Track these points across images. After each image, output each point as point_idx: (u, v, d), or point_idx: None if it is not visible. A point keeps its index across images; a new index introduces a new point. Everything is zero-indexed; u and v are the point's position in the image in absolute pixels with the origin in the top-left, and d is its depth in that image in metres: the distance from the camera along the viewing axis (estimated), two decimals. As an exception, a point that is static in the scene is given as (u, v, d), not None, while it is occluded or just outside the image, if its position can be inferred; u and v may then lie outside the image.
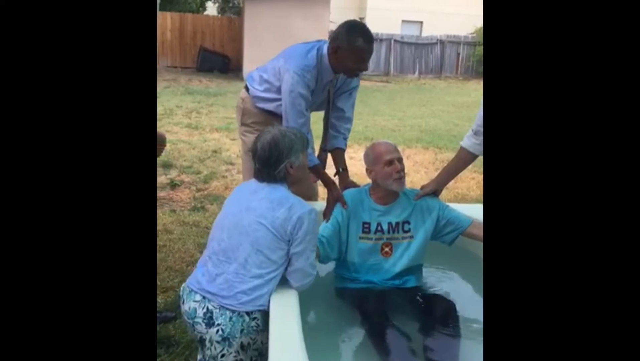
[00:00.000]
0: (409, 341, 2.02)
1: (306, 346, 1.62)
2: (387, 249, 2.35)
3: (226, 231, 1.91)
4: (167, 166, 5.60)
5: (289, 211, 1.86)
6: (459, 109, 11.65)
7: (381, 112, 10.35)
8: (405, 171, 2.35)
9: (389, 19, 22.28)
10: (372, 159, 2.32)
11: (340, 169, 2.71)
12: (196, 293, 1.87)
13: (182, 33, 16.97)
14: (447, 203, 2.50)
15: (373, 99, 11.64)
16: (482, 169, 3.84)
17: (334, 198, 2.39)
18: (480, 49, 18.44)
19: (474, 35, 19.48)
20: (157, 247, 3.50)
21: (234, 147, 6.75)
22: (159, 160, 5.03)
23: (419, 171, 5.99)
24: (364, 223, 2.34)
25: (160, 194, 4.74)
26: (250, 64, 14.44)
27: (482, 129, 2.28)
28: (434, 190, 2.46)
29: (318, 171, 2.56)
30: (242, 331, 1.80)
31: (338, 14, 19.87)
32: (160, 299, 2.87)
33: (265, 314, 1.83)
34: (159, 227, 3.86)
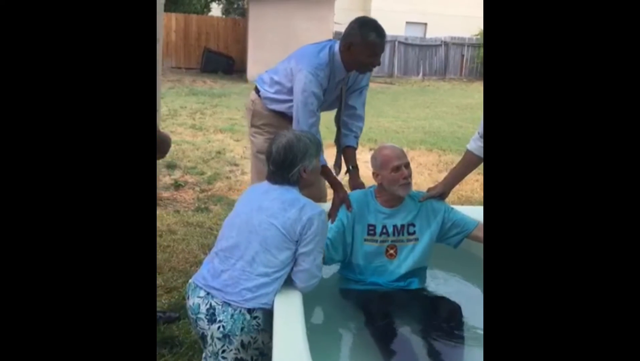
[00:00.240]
0: (413, 342, 2.01)
1: (310, 346, 1.62)
2: (391, 251, 2.35)
3: (235, 229, 1.93)
4: (171, 166, 5.61)
5: (299, 212, 1.88)
6: (463, 111, 11.65)
7: (385, 114, 10.35)
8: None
9: (393, 20, 22.25)
10: (379, 163, 2.32)
11: (351, 167, 2.73)
12: (201, 288, 1.89)
13: (186, 34, 17.02)
14: (452, 205, 2.50)
15: (377, 101, 11.64)
16: (486, 171, 3.84)
17: (340, 199, 2.40)
18: (484, 51, 18.41)
19: (478, 37, 19.47)
20: (161, 247, 3.51)
21: (237, 148, 6.77)
22: (163, 161, 5.06)
23: (422, 172, 5.99)
24: (369, 226, 2.34)
25: (164, 194, 4.75)
26: (254, 65, 14.49)
27: None
28: (440, 193, 2.46)
29: (325, 171, 2.57)
30: (242, 329, 1.81)
31: (342, 16, 19.87)
32: (164, 299, 2.87)
33: (267, 314, 1.83)
34: (163, 227, 3.87)
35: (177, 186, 5.05)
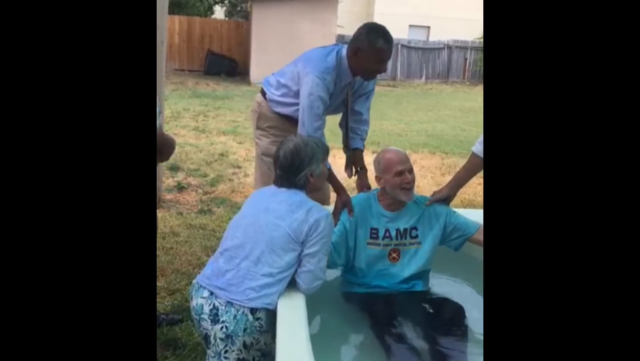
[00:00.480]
0: (417, 345, 2.02)
1: (313, 348, 1.62)
2: (394, 255, 2.36)
3: (241, 230, 1.94)
4: (174, 168, 5.62)
5: (306, 213, 1.90)
6: (466, 114, 11.65)
7: (388, 117, 10.36)
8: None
9: (396, 23, 22.26)
10: (382, 167, 2.32)
11: (359, 168, 2.75)
12: (204, 288, 1.90)
13: (189, 36, 17.05)
14: (455, 209, 2.50)
15: (380, 104, 11.65)
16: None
17: (342, 203, 2.40)
18: (487, 54, 18.39)
19: (481, 40, 19.45)
20: (164, 250, 3.52)
21: (240, 150, 6.78)
22: (166, 163, 5.06)
23: (425, 176, 5.99)
24: (372, 229, 2.34)
25: (167, 196, 4.76)
26: (257, 68, 14.51)
27: None
28: (446, 197, 2.46)
29: (329, 175, 2.58)
30: (245, 330, 1.82)
31: (345, 19, 19.91)
32: (167, 301, 2.88)
33: (270, 315, 1.84)
34: (166, 230, 3.87)
35: (180, 188, 5.06)
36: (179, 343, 2.50)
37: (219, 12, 22.02)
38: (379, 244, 2.34)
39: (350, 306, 2.34)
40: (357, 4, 23.21)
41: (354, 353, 2.17)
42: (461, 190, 5.66)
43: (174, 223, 4.08)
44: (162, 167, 4.80)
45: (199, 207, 4.56)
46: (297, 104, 2.52)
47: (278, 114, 2.72)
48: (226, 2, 21.22)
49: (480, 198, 5.17)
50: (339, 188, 2.50)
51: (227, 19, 20.54)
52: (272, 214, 1.92)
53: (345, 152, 2.87)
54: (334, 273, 2.51)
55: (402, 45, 19.02)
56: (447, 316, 2.16)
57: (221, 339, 1.83)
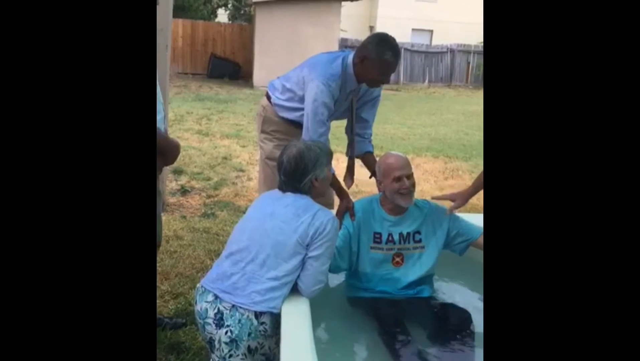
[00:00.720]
0: (424, 351, 2.02)
1: (318, 353, 1.62)
2: (398, 259, 2.36)
3: (247, 233, 1.95)
4: (178, 172, 5.63)
5: (313, 217, 1.90)
6: (469, 118, 11.65)
7: (391, 121, 10.37)
8: (415, 180, 2.35)
9: (399, 27, 22.34)
10: (382, 172, 2.33)
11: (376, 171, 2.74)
12: (209, 292, 1.90)
13: (193, 40, 17.12)
14: (458, 213, 2.50)
15: (383, 108, 11.56)
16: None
17: (344, 207, 2.41)
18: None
19: (484, 44, 19.47)
20: (168, 253, 3.52)
21: (244, 154, 6.79)
22: (169, 166, 5.08)
23: (428, 180, 5.99)
24: (375, 233, 2.34)
25: (170, 200, 4.77)
26: (260, 71, 14.55)
27: None
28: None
29: (332, 179, 2.58)
30: (249, 334, 1.82)
31: (348, 23, 19.96)
32: (170, 305, 2.88)
33: (274, 319, 1.84)
34: (169, 233, 3.88)
35: (184, 191, 5.07)
36: (182, 347, 2.50)
37: (222, 16, 22.09)
38: (382, 249, 2.34)
39: (356, 311, 2.34)
40: (360, 8, 23.26)
41: (359, 358, 2.17)
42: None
43: (178, 226, 4.09)
44: (165, 171, 4.81)
45: (203, 210, 4.57)
46: (302, 109, 2.53)
47: (283, 118, 2.73)
48: (230, 5, 21.29)
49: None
50: (342, 193, 2.51)
51: (230, 22, 20.59)
52: (278, 218, 1.92)
53: (348, 157, 2.86)
54: (338, 279, 2.51)
55: (405, 49, 19.05)
56: (454, 323, 2.16)
57: (226, 343, 1.83)
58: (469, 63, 19.88)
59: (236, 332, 1.82)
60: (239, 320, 1.82)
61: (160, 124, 2.16)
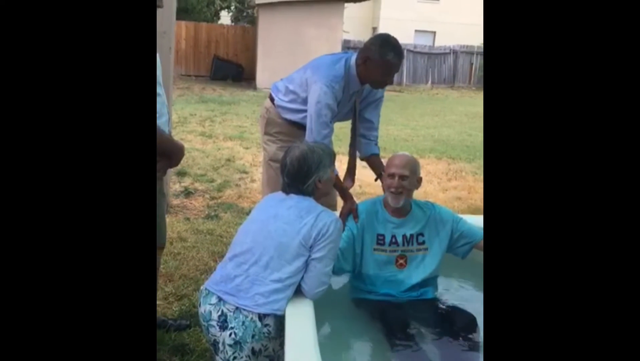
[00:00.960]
0: (429, 354, 2.01)
1: (322, 355, 1.62)
2: (401, 261, 2.36)
3: (250, 236, 1.95)
4: (181, 174, 5.64)
5: (316, 218, 1.90)
6: (472, 119, 11.64)
7: (394, 122, 10.36)
8: (416, 183, 2.36)
9: (402, 28, 22.35)
10: (384, 167, 2.34)
11: (382, 172, 2.73)
12: (213, 294, 1.90)
13: (196, 42, 17.15)
14: (461, 215, 2.50)
15: (386, 109, 11.53)
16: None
17: (348, 209, 2.41)
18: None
19: (487, 45, 19.44)
20: (172, 255, 3.52)
21: (247, 155, 6.79)
22: (173, 168, 5.09)
23: (431, 181, 5.99)
24: (378, 235, 2.34)
25: (174, 202, 4.78)
26: (263, 73, 14.56)
27: None
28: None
29: (336, 181, 2.58)
30: (253, 336, 1.82)
31: (351, 24, 19.97)
32: (174, 307, 2.88)
33: (278, 321, 1.85)
34: (173, 235, 3.89)
35: (187, 193, 5.08)
36: (186, 348, 2.50)
37: (225, 18, 22.12)
38: (386, 251, 2.34)
39: (360, 313, 2.34)
40: (363, 9, 23.28)
41: (363, 360, 2.17)
42: (468, 195, 5.67)
43: (181, 228, 4.09)
44: (169, 173, 4.82)
45: (206, 212, 4.57)
46: (305, 110, 2.53)
47: (286, 120, 2.73)
48: (232, 7, 21.32)
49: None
50: (346, 194, 2.51)
51: (233, 24, 20.62)
52: (281, 220, 1.93)
53: (349, 158, 2.86)
54: (341, 281, 2.51)
55: (408, 51, 19.05)
56: (460, 325, 2.15)
57: (230, 345, 1.84)
58: (472, 64, 19.86)
59: (240, 334, 1.82)
60: (243, 322, 1.82)
61: (164, 126, 2.17)
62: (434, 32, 25.08)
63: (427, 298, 2.36)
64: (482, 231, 2.37)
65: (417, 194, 2.51)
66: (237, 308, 1.84)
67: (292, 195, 2.00)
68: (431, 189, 5.57)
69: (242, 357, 1.84)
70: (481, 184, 5.45)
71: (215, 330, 1.87)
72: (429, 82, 19.50)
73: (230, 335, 1.83)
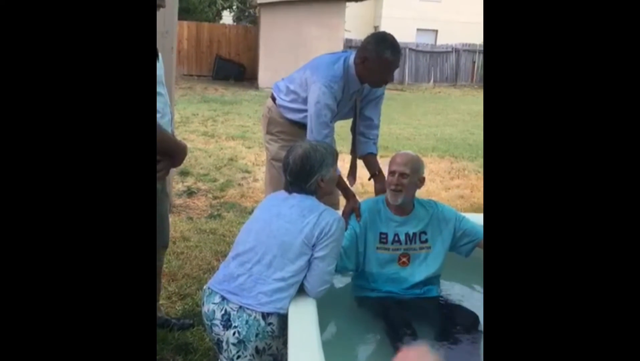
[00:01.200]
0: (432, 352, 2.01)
1: (325, 353, 1.63)
2: (404, 259, 2.36)
3: (253, 235, 1.95)
4: (184, 173, 5.65)
5: (318, 217, 1.90)
6: (475, 117, 11.62)
7: (396, 121, 10.36)
8: (418, 181, 2.36)
9: (403, 27, 22.35)
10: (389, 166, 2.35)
11: (377, 172, 2.74)
12: (216, 293, 1.91)
13: (198, 42, 17.15)
14: (464, 213, 2.50)
15: (388, 108, 11.63)
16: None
17: (350, 208, 2.41)
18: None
19: (490, 43, 19.40)
20: (175, 254, 3.53)
21: (249, 155, 6.80)
22: (176, 168, 5.10)
23: (434, 180, 5.98)
24: (381, 234, 2.35)
25: (177, 201, 4.78)
26: (265, 73, 14.57)
27: None
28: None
29: (338, 180, 2.58)
30: (257, 335, 1.82)
31: (353, 23, 19.95)
32: (178, 306, 2.89)
33: (281, 320, 1.85)
34: (176, 234, 3.90)
35: (190, 193, 5.09)
36: (190, 347, 2.51)
37: (227, 18, 22.13)
38: (389, 249, 2.34)
39: (363, 311, 2.34)
40: (364, 8, 23.26)
41: (366, 358, 2.17)
42: (470, 194, 5.67)
43: (184, 227, 4.10)
44: (172, 173, 4.83)
45: (209, 212, 4.58)
46: (306, 110, 2.53)
47: (288, 119, 2.73)
48: (234, 7, 21.33)
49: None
50: (348, 193, 2.51)
51: (235, 24, 20.62)
52: (284, 219, 1.93)
53: (351, 156, 2.86)
54: (345, 279, 2.51)
55: (410, 49, 19.02)
56: (462, 323, 2.15)
57: (233, 344, 1.84)
58: (474, 62, 19.83)
59: (244, 333, 1.82)
60: (246, 321, 1.82)
61: (167, 126, 2.17)
62: (436, 31, 25.05)
63: (430, 296, 2.36)
64: (485, 230, 2.37)
65: (420, 193, 2.51)
66: (240, 307, 1.84)
67: (295, 194, 2.00)
68: (434, 188, 5.57)
69: (245, 356, 1.84)
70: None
71: (218, 329, 1.87)
72: (431, 80, 19.47)
73: (233, 333, 1.84)
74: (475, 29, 21.20)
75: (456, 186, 5.80)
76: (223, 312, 1.86)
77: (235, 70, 16.80)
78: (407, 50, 18.86)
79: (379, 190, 2.63)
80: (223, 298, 1.88)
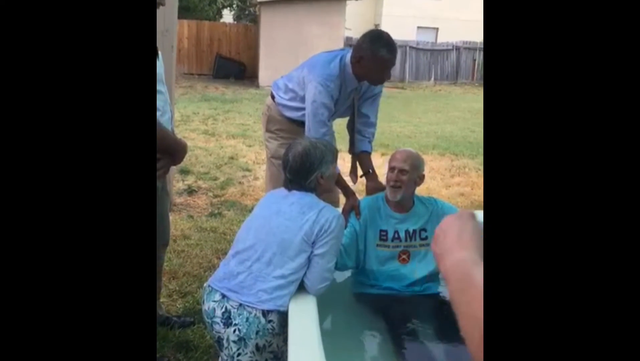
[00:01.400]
0: (432, 348, 2.02)
1: (326, 350, 1.63)
2: (404, 256, 2.36)
3: (253, 232, 1.96)
4: (185, 172, 5.65)
5: (318, 214, 1.90)
6: (475, 115, 11.61)
7: (397, 119, 10.36)
8: (417, 178, 2.36)
9: (404, 25, 22.33)
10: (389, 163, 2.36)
11: (370, 171, 2.75)
12: (216, 291, 1.91)
13: (198, 40, 17.13)
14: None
15: (388, 106, 11.64)
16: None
17: (350, 206, 2.41)
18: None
19: (490, 41, 19.38)
20: (176, 253, 3.54)
21: (250, 153, 6.80)
22: (176, 166, 5.10)
23: (435, 177, 5.99)
24: (381, 231, 2.35)
25: (177, 200, 4.79)
26: (265, 71, 14.56)
27: None
28: None
29: (338, 178, 2.59)
30: (257, 332, 1.83)
31: (353, 21, 19.92)
32: (178, 304, 2.90)
33: (282, 317, 1.85)
34: (177, 233, 3.90)
35: (191, 191, 5.09)
36: (190, 345, 2.52)
37: (227, 16, 22.11)
38: (389, 246, 2.35)
39: (362, 307, 2.35)
40: (365, 7, 23.23)
41: (366, 354, 2.17)
42: (471, 191, 5.66)
43: (185, 226, 4.11)
44: (172, 171, 4.84)
45: (210, 210, 4.58)
46: (304, 108, 2.54)
47: (287, 117, 2.74)
48: (235, 5, 21.31)
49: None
50: (348, 191, 2.51)
51: (235, 22, 20.61)
52: (283, 216, 1.93)
53: (351, 155, 2.87)
54: (344, 275, 2.51)
55: (411, 47, 19.00)
56: None
57: (234, 342, 1.84)
58: (474, 60, 19.80)
59: (244, 331, 1.83)
60: (247, 319, 1.83)
61: (167, 124, 2.17)
62: (437, 29, 25.02)
63: (430, 293, 2.36)
64: (486, 228, 2.38)
65: (420, 191, 2.51)
66: (240, 304, 1.85)
67: (295, 191, 2.00)
68: (434, 186, 5.57)
69: (246, 353, 1.85)
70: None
71: (219, 327, 1.88)
72: (432, 78, 19.45)
73: (234, 331, 1.84)
74: (475, 27, 21.15)
75: (457, 184, 5.80)
76: (223, 310, 1.87)
77: (236, 68, 16.79)
78: (408, 48, 18.83)
79: (371, 188, 2.64)
80: (223, 296, 1.89)
